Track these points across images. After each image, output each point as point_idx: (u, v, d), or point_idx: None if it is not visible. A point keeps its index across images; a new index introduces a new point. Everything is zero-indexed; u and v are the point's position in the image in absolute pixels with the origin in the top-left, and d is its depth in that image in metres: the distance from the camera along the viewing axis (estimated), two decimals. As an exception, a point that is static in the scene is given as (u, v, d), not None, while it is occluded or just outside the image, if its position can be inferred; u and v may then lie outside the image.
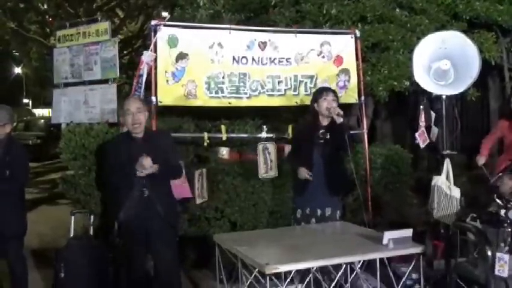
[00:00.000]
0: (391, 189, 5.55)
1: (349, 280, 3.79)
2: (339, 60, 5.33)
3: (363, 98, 5.40)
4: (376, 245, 3.48)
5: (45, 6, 15.78)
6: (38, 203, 8.75)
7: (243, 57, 5.00)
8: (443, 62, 4.53)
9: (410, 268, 3.57)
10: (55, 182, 9.53)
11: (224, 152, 5.07)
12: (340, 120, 4.20)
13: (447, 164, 4.54)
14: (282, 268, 3.13)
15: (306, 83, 5.20)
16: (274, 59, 5.10)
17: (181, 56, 4.78)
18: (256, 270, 3.18)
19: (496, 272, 3.17)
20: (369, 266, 3.81)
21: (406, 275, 3.62)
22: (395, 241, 3.42)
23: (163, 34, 4.73)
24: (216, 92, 4.92)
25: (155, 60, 4.68)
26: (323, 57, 5.28)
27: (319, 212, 4.30)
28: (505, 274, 3.15)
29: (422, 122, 4.68)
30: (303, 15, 6.22)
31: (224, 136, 5.02)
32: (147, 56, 4.66)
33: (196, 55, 4.85)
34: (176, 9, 7.02)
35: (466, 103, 7.38)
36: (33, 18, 16.10)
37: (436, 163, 5.09)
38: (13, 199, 4.17)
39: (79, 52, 6.36)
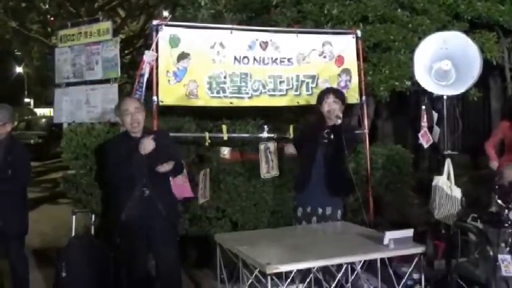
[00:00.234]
0: (392, 189, 5.54)
1: (350, 280, 3.79)
2: (340, 60, 5.33)
3: (364, 98, 5.39)
4: (377, 245, 3.47)
5: (47, 6, 15.82)
6: (40, 203, 8.70)
7: (244, 57, 5.00)
8: (445, 62, 4.54)
9: (411, 268, 3.56)
10: (56, 182, 9.57)
11: (225, 151, 5.06)
12: (338, 122, 4.22)
13: (448, 164, 4.55)
14: (283, 268, 3.12)
15: (307, 83, 5.20)
16: (276, 59, 5.10)
17: (183, 56, 4.78)
18: (257, 270, 3.18)
19: (504, 273, 3.19)
20: (369, 266, 3.82)
21: (406, 275, 3.60)
22: (396, 241, 3.42)
23: (164, 34, 4.74)
24: (218, 92, 4.92)
25: (156, 60, 4.69)
26: (324, 57, 5.28)
27: (320, 210, 4.29)
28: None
29: (424, 123, 4.68)
30: (305, 15, 6.23)
31: (225, 136, 5.02)
32: (148, 56, 4.66)
33: (197, 55, 4.84)
34: (178, 9, 7.03)
35: (467, 103, 7.36)
36: (35, 17, 16.14)
37: (437, 163, 5.10)
38: (15, 198, 4.17)
39: (80, 52, 6.35)
